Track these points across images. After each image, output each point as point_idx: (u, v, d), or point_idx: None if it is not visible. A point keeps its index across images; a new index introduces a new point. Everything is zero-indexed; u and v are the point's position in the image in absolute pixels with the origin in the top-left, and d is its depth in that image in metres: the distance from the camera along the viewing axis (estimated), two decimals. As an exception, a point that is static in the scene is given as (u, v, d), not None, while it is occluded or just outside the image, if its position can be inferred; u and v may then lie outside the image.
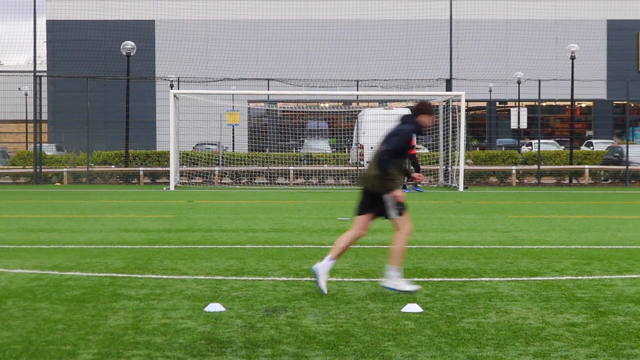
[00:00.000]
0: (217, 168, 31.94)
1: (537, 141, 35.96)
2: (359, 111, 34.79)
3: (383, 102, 43.40)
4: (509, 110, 48.81)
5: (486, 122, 56.40)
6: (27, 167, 34.19)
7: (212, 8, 54.54)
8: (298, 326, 6.93)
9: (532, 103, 45.19)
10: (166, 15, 54.71)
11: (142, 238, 13.17)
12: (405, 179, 8.91)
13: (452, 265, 10.28)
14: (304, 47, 54.46)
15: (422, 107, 8.71)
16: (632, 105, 52.11)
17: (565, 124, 55.53)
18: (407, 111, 38.66)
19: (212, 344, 6.36)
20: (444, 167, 30.49)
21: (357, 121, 33.85)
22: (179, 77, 41.65)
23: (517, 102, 48.03)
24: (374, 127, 32.45)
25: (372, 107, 38.84)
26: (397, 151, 8.45)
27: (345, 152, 35.29)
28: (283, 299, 8.11)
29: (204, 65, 52.42)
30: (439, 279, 9.29)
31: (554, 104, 52.93)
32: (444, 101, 30.50)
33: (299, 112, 40.17)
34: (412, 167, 27.03)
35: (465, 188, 27.62)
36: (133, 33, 50.16)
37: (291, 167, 31.78)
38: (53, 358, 5.98)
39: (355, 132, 33.86)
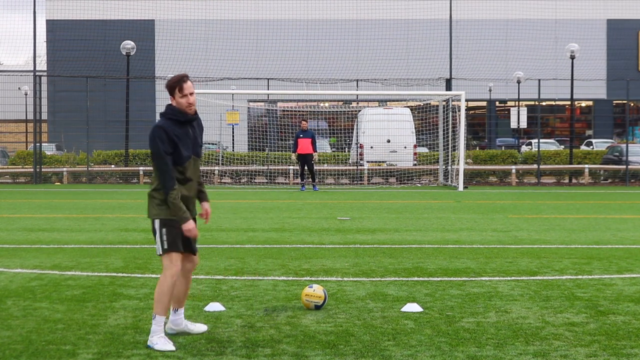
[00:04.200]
0: (216, 167, 31.93)
1: (536, 141, 35.95)
2: (359, 110, 34.81)
3: (383, 102, 43.40)
4: (508, 110, 48.81)
5: (486, 121, 56.43)
6: (26, 166, 34.20)
7: (212, 8, 54.53)
8: (298, 326, 6.93)
9: (532, 102, 45.19)
10: (166, 15, 54.71)
11: (142, 237, 13.17)
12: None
13: (451, 265, 10.28)
14: (304, 47, 54.46)
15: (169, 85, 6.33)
16: (632, 104, 52.14)
17: (565, 123, 55.56)
18: (407, 111, 38.28)
19: (212, 343, 6.36)
20: (444, 167, 30.49)
21: (357, 120, 33.86)
22: (178, 77, 41.53)
23: (517, 102, 48.01)
24: (374, 127, 32.50)
25: (371, 106, 38.84)
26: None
27: (345, 151, 35.29)
28: (283, 298, 8.11)
29: (204, 65, 52.41)
30: (439, 279, 9.29)
31: (554, 103, 52.96)
32: (444, 101, 30.49)
33: (298, 111, 40.15)
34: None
35: (465, 187, 27.61)
36: (133, 32, 50.17)
37: (291, 167, 31.77)
38: (53, 358, 5.98)
39: (355, 131, 33.87)
